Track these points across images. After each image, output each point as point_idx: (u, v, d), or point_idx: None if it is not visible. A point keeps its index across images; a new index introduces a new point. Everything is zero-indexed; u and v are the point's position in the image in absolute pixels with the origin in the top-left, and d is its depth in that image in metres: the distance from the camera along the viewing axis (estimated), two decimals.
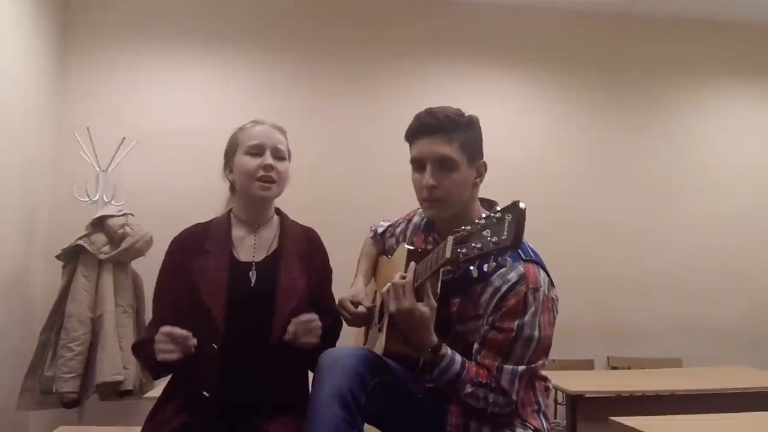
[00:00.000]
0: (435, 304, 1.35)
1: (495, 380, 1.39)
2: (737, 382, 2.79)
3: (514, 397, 1.40)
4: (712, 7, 3.94)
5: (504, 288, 1.41)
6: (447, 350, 1.39)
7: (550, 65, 3.96)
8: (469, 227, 1.18)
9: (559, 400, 3.16)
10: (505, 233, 1.08)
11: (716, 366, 3.38)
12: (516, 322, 1.39)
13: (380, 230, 1.91)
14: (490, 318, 1.42)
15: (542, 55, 3.95)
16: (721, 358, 3.60)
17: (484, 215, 1.16)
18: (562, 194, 3.84)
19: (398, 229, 1.80)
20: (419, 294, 1.34)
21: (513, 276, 1.41)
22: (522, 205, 1.08)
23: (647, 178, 3.99)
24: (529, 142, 3.90)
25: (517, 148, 3.80)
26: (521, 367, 1.40)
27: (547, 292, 1.44)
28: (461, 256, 1.17)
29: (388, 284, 1.38)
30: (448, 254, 1.21)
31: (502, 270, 1.40)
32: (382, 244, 1.89)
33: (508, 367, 1.39)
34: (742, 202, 4.05)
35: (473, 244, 1.15)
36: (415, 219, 1.74)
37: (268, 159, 1.62)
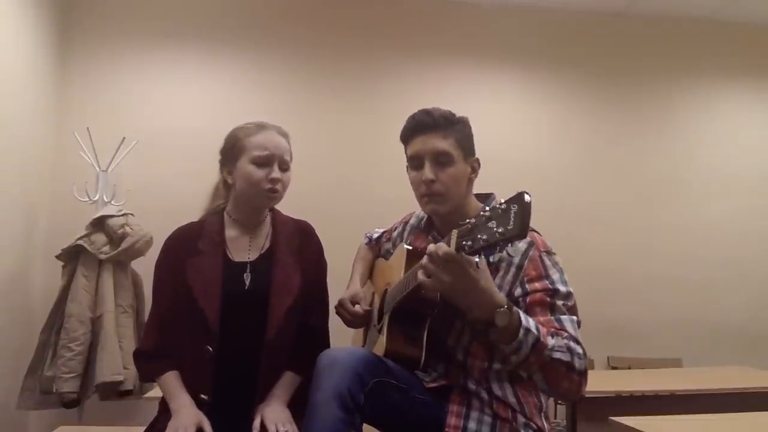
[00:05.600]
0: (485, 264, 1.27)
1: (562, 329, 1.34)
2: (737, 382, 2.78)
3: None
4: (712, 6, 3.94)
5: (517, 259, 1.43)
6: (514, 307, 1.28)
7: (550, 65, 3.96)
8: (473, 220, 1.17)
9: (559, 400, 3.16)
10: (512, 223, 1.09)
11: (716, 366, 3.37)
12: (546, 281, 1.40)
13: (375, 236, 1.92)
14: (518, 290, 1.41)
15: (542, 55, 3.95)
16: (721, 358, 3.59)
17: (487, 207, 1.15)
18: (561, 193, 3.83)
19: (395, 233, 1.81)
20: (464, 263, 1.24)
21: (522, 245, 1.42)
22: (527, 196, 1.09)
23: (647, 178, 3.99)
24: (529, 141, 3.90)
25: (516, 147, 3.81)
26: (574, 317, 1.39)
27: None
28: (466, 248, 1.17)
29: (425, 256, 1.26)
30: (453, 247, 1.21)
31: (508, 247, 1.37)
32: (377, 249, 1.89)
33: (564, 316, 1.37)
34: (742, 202, 4.04)
35: (479, 236, 1.14)
36: (412, 221, 1.76)
37: (276, 172, 1.59)
